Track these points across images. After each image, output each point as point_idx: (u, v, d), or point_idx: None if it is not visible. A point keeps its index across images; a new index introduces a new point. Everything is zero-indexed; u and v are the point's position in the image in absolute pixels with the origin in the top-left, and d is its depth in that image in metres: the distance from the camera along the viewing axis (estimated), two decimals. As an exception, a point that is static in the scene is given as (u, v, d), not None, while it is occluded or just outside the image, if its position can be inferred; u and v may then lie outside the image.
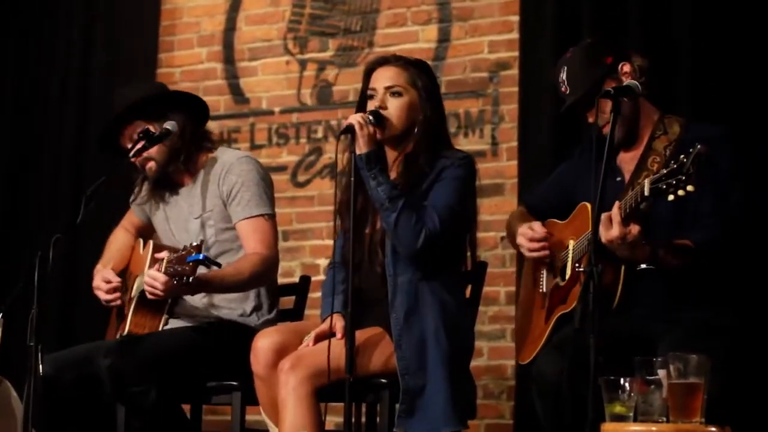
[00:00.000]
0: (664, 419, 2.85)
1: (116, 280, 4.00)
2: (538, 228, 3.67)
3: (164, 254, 3.72)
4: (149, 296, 3.75)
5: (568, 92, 3.61)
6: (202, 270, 3.70)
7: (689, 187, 3.06)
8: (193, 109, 4.10)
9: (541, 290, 3.75)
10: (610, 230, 3.25)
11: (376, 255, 3.66)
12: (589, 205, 3.51)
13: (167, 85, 4.41)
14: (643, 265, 3.38)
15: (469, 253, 3.76)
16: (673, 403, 2.82)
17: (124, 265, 4.16)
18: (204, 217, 4.02)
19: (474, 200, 3.76)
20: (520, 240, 3.70)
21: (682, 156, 3.08)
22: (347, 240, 3.69)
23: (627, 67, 3.56)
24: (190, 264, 3.58)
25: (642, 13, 4.70)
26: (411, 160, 3.69)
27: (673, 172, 3.08)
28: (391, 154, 3.70)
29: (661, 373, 2.87)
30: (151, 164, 4.03)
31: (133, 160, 4.01)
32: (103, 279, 4.01)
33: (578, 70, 3.58)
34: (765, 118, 4.44)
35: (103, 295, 4.01)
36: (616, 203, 3.26)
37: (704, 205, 3.31)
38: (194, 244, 3.62)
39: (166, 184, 4.09)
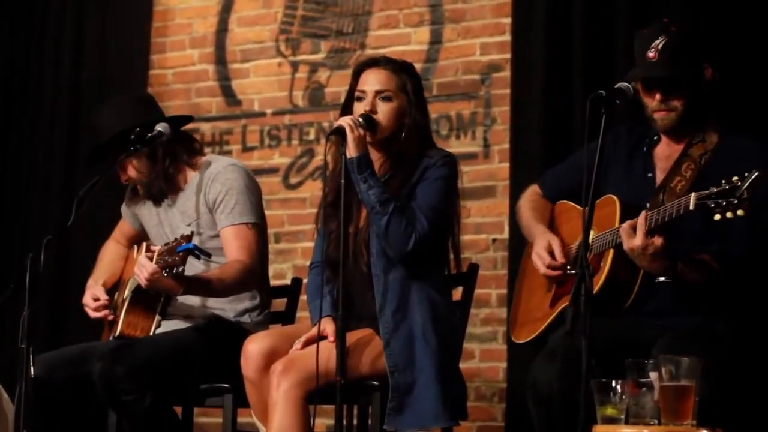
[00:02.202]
0: (656, 421, 2.85)
1: (104, 298, 4.02)
2: (558, 254, 3.57)
3: (156, 247, 3.73)
4: (136, 278, 3.74)
5: (656, 60, 3.50)
6: (191, 265, 3.70)
7: (740, 212, 3.01)
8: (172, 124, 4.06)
9: None
10: (633, 239, 3.22)
11: (361, 255, 3.67)
12: (617, 200, 3.46)
13: (151, 97, 4.31)
14: (661, 279, 3.37)
15: (452, 255, 3.75)
16: (665, 405, 2.83)
17: (117, 278, 4.17)
18: (193, 225, 4.01)
19: (457, 200, 3.76)
20: (537, 261, 3.60)
21: (735, 178, 3.03)
22: (330, 241, 3.71)
23: (709, 72, 3.52)
24: (180, 254, 3.57)
25: (633, 15, 4.70)
26: (399, 164, 3.70)
27: (724, 193, 3.03)
28: (375, 156, 3.70)
29: (653, 375, 2.88)
30: (139, 187, 4.07)
31: (124, 180, 4.05)
32: (92, 296, 4.05)
33: (678, 49, 3.47)
34: (761, 121, 4.44)
35: (91, 313, 4.05)
36: (643, 213, 3.24)
37: (735, 221, 3.15)
38: (185, 234, 3.62)
39: (156, 199, 4.09)
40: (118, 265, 4.21)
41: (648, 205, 3.34)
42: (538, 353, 3.43)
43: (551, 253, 3.58)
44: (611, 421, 2.85)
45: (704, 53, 3.55)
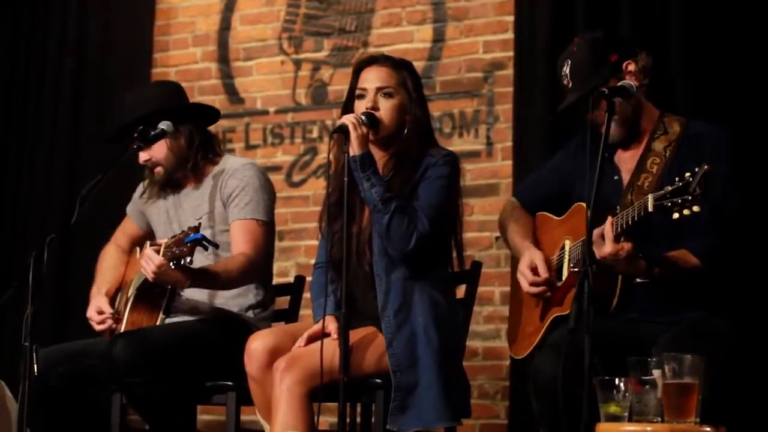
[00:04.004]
0: (659, 419, 2.85)
1: (108, 311, 3.99)
2: (542, 269, 3.56)
3: (162, 241, 3.73)
4: (143, 272, 3.73)
5: (570, 86, 3.55)
6: (199, 258, 3.71)
7: (695, 208, 3.02)
8: (201, 116, 4.10)
9: None
10: (603, 247, 3.23)
11: (364, 254, 3.67)
12: (586, 207, 3.49)
13: (180, 88, 4.30)
14: (639, 279, 3.37)
15: (455, 253, 3.75)
16: (668, 403, 2.82)
17: (119, 284, 4.16)
18: (204, 218, 4.02)
19: (459, 198, 3.76)
20: (521, 279, 3.61)
21: (687, 174, 3.04)
22: (335, 241, 3.70)
23: (632, 66, 3.51)
24: (188, 245, 3.57)
25: (636, 13, 4.70)
26: (401, 162, 3.70)
27: (678, 191, 3.04)
28: (378, 155, 3.70)
29: (656, 373, 2.88)
30: (159, 169, 4.06)
31: (143, 161, 4.03)
32: (96, 309, 4.01)
33: (583, 67, 3.52)
34: (760, 116, 4.44)
35: (95, 326, 4.02)
36: (609, 218, 3.25)
37: (702, 211, 3.17)
38: (192, 225, 3.62)
39: (172, 187, 4.10)
40: (119, 271, 4.20)
41: (618, 207, 3.35)
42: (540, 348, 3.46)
43: (534, 270, 3.58)
44: (614, 418, 2.84)
45: (616, 50, 3.53)
